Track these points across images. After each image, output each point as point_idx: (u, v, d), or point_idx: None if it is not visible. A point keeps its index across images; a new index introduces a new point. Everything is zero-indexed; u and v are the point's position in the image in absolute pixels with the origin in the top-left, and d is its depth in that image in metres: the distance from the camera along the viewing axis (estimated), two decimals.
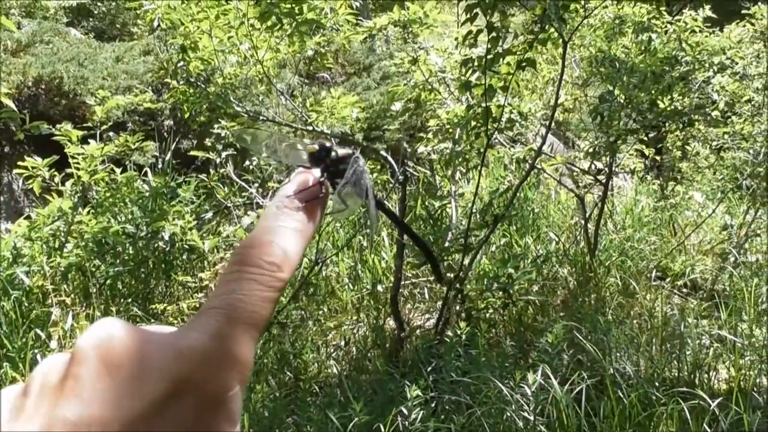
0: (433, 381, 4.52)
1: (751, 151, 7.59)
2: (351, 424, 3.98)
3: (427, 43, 6.72)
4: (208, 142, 6.43)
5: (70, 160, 6.08)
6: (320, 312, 6.19)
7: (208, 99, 5.84)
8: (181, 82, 5.84)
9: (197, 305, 5.66)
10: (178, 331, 0.63)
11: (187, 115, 5.95)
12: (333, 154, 0.82)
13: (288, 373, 5.35)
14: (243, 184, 6.47)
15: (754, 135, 7.41)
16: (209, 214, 6.69)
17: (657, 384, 4.53)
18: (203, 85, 5.88)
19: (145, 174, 7.22)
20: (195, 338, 0.61)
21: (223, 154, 6.30)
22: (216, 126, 6.19)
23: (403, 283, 5.94)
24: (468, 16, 4.77)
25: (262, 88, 6.93)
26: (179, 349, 0.59)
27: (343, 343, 5.95)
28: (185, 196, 6.49)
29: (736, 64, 7.41)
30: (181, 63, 5.71)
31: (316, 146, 0.82)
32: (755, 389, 4.76)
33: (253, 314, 0.64)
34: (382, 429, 3.99)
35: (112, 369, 0.57)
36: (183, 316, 5.52)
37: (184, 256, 6.26)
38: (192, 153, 7.25)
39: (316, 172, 0.81)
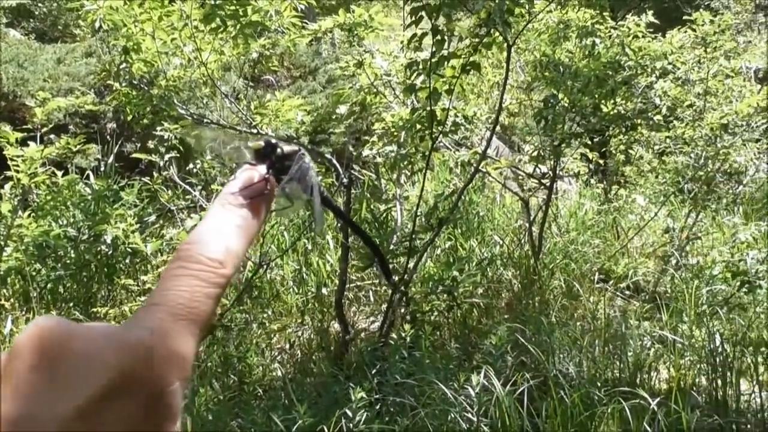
0: (377, 383, 4.52)
1: (692, 155, 7.68)
2: (295, 427, 3.97)
3: (373, 46, 6.73)
4: (151, 144, 6.37)
5: (9, 162, 5.99)
6: (264, 315, 6.15)
7: (151, 101, 5.78)
8: (124, 85, 5.78)
9: None
10: (120, 326, 0.62)
11: (130, 118, 5.88)
12: (278, 150, 0.82)
13: (232, 376, 5.32)
14: (186, 187, 6.42)
15: (696, 139, 7.51)
16: (152, 218, 6.64)
17: (599, 384, 4.57)
18: (146, 88, 5.82)
19: (88, 177, 7.14)
20: (137, 333, 0.60)
21: (166, 157, 6.24)
22: (159, 129, 6.13)
23: (348, 285, 5.93)
24: (413, 19, 4.78)
25: (207, 90, 6.87)
26: (121, 343, 0.59)
27: (287, 346, 5.93)
28: (128, 199, 6.44)
29: (678, 69, 7.50)
30: (124, 65, 5.64)
31: (262, 143, 0.82)
32: (694, 388, 4.82)
33: (195, 310, 0.64)
34: (326, 431, 3.98)
35: (51, 363, 0.56)
36: (126, 319, 5.47)
37: (127, 260, 6.20)
38: (135, 156, 7.19)
39: (262, 169, 0.80)
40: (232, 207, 0.74)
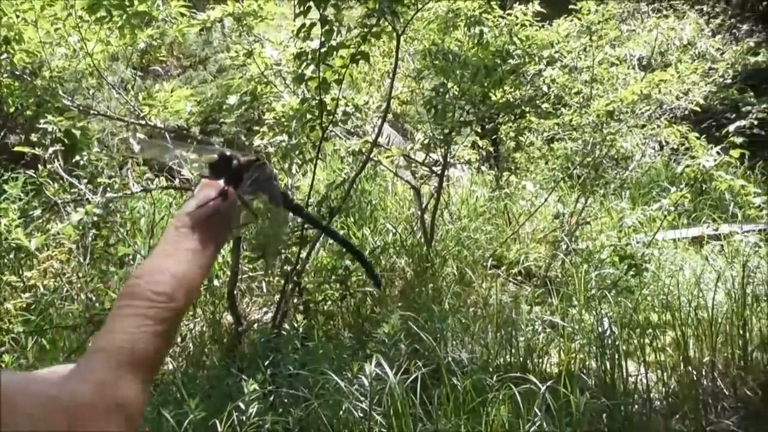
0: (270, 375, 4.50)
1: (580, 142, 7.80)
2: (187, 421, 3.92)
3: (264, 35, 6.68)
4: (34, 137, 6.22)
5: None
6: None
7: (35, 93, 5.65)
8: (6, 76, 5.63)
9: (24, 305, 5.50)
10: (58, 379, 0.59)
11: (12, 110, 5.75)
12: (234, 162, 0.78)
13: None
14: (72, 180, 6.29)
15: (583, 126, 7.62)
16: (38, 212, 6.48)
17: (491, 370, 4.63)
18: (29, 79, 5.69)
19: None
20: (73, 387, 0.58)
21: (51, 150, 6.10)
22: (43, 121, 5.99)
23: (240, 277, 5.89)
24: (301, 9, 4.77)
25: (93, 81, 6.74)
26: (55, 400, 0.57)
27: (179, 339, 5.87)
28: (12, 192, 6.28)
29: (565, 57, 7.61)
30: (5, 55, 5.50)
31: (216, 156, 0.78)
32: (584, 371, 4.92)
33: (141, 353, 0.61)
34: (219, 425, 3.95)
35: None
36: (9, 317, 5.35)
37: (11, 255, 6.05)
38: (17, 149, 7.01)
39: (220, 184, 0.77)
40: (186, 231, 0.71)
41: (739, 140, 6.38)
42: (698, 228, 8.10)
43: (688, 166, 6.85)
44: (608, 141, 7.48)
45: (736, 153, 6.42)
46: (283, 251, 5.35)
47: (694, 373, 4.92)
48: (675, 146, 9.42)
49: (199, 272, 0.69)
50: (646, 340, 5.33)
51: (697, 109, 8.75)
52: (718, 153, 6.69)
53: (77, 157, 6.38)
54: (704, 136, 8.52)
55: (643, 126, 8.55)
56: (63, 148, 6.26)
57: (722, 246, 7.34)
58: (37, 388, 0.58)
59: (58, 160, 6.29)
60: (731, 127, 6.51)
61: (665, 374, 5.00)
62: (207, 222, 0.72)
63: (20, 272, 5.94)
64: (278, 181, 0.81)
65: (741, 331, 5.24)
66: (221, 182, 0.77)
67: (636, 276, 6.29)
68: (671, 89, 8.03)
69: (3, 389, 0.56)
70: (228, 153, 0.78)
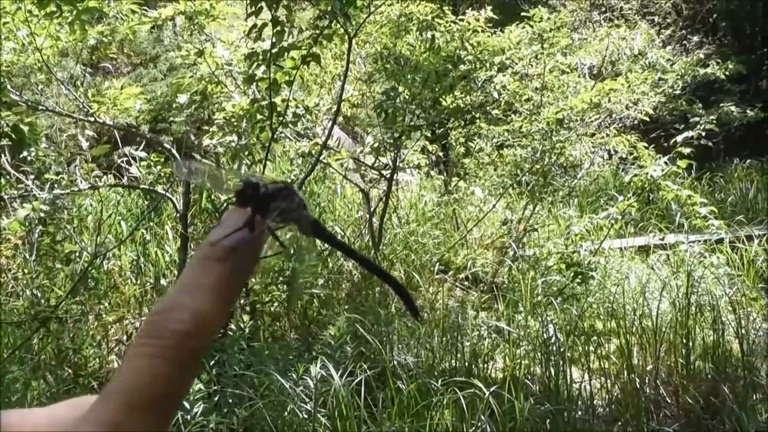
0: (216, 375, 4.48)
1: (530, 149, 7.84)
2: None
3: (215, 35, 6.65)
4: None
5: None
6: (101, 306, 6.02)
7: None
8: None
9: None
10: (73, 423, 0.57)
11: None
12: (262, 190, 0.73)
13: (67, 369, 5.19)
14: (19, 176, 6.22)
15: (533, 133, 7.66)
16: None
17: (436, 374, 4.64)
18: None
19: None
20: None
21: None
22: None
23: None
24: (253, 9, 4.76)
25: (42, 77, 6.67)
26: None
27: (125, 338, 5.82)
28: None
29: (516, 64, 7.66)
30: None
31: (241, 184, 0.73)
32: (528, 377, 4.95)
33: (155, 397, 0.58)
34: None
35: None
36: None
37: None
38: None
39: (247, 212, 0.72)
40: (210, 263, 0.66)
41: (686, 151, 6.46)
42: (645, 237, 8.18)
43: (636, 175, 6.92)
44: (557, 149, 7.52)
45: (683, 163, 6.50)
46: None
47: (638, 380, 4.96)
48: (623, 155, 9.51)
49: (221, 309, 0.65)
50: (591, 348, 5.37)
51: (646, 119, 8.86)
52: (665, 163, 6.77)
53: (25, 153, 6.30)
54: (653, 146, 8.62)
55: (593, 135, 8.64)
56: (10, 143, 6.18)
57: (668, 255, 7.42)
58: None
59: (5, 155, 6.21)
60: (679, 138, 6.59)
61: (609, 381, 5.04)
62: (232, 253, 0.67)
63: None
64: (308, 210, 0.77)
65: (684, 340, 5.29)
66: (248, 210, 0.72)
67: (582, 284, 6.34)
68: (621, 99, 8.12)
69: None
70: (254, 179, 0.73)
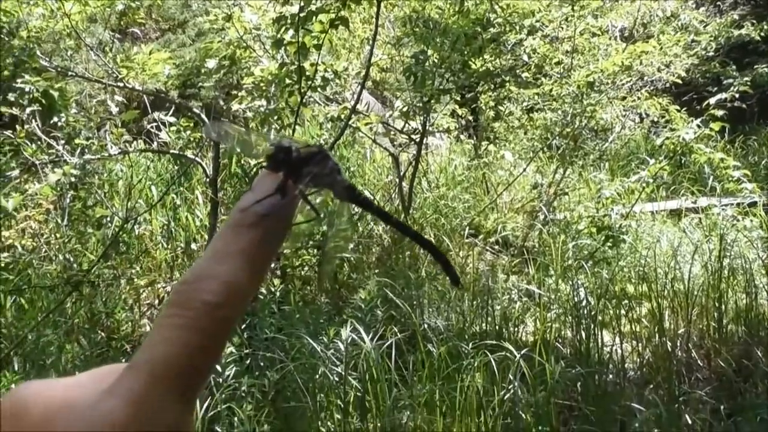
0: (247, 338, 4.50)
1: (560, 112, 7.79)
2: None
3: None
4: (11, 97, 6.15)
5: None
6: (133, 271, 6.05)
7: (12, 53, 5.59)
8: None
9: (2, 265, 5.47)
10: (99, 395, 0.55)
11: None
12: (294, 154, 0.71)
13: (100, 332, 5.23)
14: (50, 141, 6.23)
15: (563, 96, 7.61)
16: (16, 172, 6.43)
17: (466, 337, 4.64)
18: (7, 39, 5.62)
19: None
20: (111, 406, 0.53)
21: (28, 110, 6.04)
22: (20, 81, 5.92)
23: None
24: None
25: (71, 42, 6.68)
26: (91, 421, 0.53)
27: (156, 301, 5.85)
28: None
29: (546, 26, 7.59)
30: None
31: (273, 148, 0.71)
32: (559, 341, 4.93)
33: (182, 369, 0.56)
34: None
35: None
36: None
37: None
38: None
39: (279, 177, 0.69)
40: (241, 228, 0.64)
41: (719, 113, 6.39)
42: (676, 201, 8.11)
43: (667, 138, 6.86)
44: (588, 112, 7.47)
45: (716, 126, 6.43)
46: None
47: (669, 344, 4.93)
48: (655, 118, 9.42)
49: (253, 277, 0.62)
50: (622, 311, 5.35)
51: (679, 81, 8.75)
52: (698, 126, 6.70)
53: (55, 119, 6.32)
54: (685, 108, 8.55)
55: (624, 98, 8.55)
56: (41, 109, 6.20)
57: (700, 219, 7.35)
58: (76, 405, 0.55)
59: (36, 121, 6.23)
60: (712, 101, 6.51)
61: (640, 345, 5.02)
62: (264, 220, 0.65)
63: None
64: (342, 174, 0.75)
65: (716, 304, 5.26)
66: (281, 175, 0.69)
67: (613, 247, 6.31)
68: (653, 61, 8.03)
69: (51, 402, 0.55)
70: (287, 143, 0.71)
